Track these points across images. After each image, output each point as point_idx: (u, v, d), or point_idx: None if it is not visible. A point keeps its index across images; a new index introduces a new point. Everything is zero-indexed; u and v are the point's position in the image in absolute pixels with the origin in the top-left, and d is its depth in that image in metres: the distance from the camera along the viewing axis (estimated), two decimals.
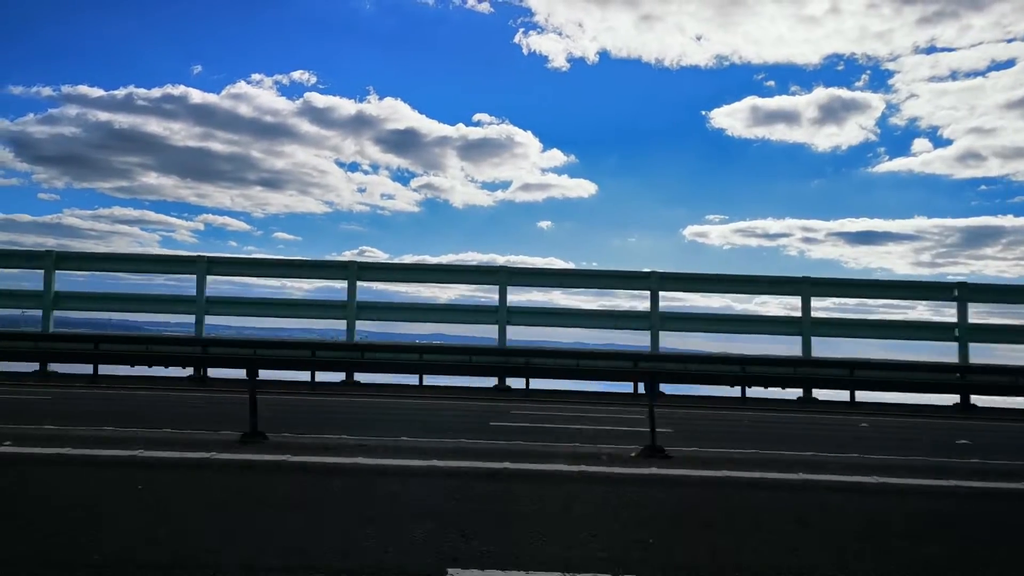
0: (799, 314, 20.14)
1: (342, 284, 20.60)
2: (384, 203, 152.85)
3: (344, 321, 20.13)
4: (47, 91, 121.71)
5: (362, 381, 18.30)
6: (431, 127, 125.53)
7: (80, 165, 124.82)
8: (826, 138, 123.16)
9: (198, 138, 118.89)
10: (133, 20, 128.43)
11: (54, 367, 17.60)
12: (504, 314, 19.95)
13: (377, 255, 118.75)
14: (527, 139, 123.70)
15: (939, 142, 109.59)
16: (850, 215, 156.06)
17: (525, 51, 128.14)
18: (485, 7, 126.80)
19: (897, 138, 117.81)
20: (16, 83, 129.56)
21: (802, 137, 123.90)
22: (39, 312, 20.23)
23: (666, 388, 16.66)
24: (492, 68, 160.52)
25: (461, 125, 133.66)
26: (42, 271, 20.34)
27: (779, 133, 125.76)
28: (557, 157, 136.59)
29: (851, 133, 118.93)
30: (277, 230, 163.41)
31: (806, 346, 19.77)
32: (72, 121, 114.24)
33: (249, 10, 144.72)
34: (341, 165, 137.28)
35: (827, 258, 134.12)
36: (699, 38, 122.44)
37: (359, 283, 20.58)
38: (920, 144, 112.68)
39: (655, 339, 19.95)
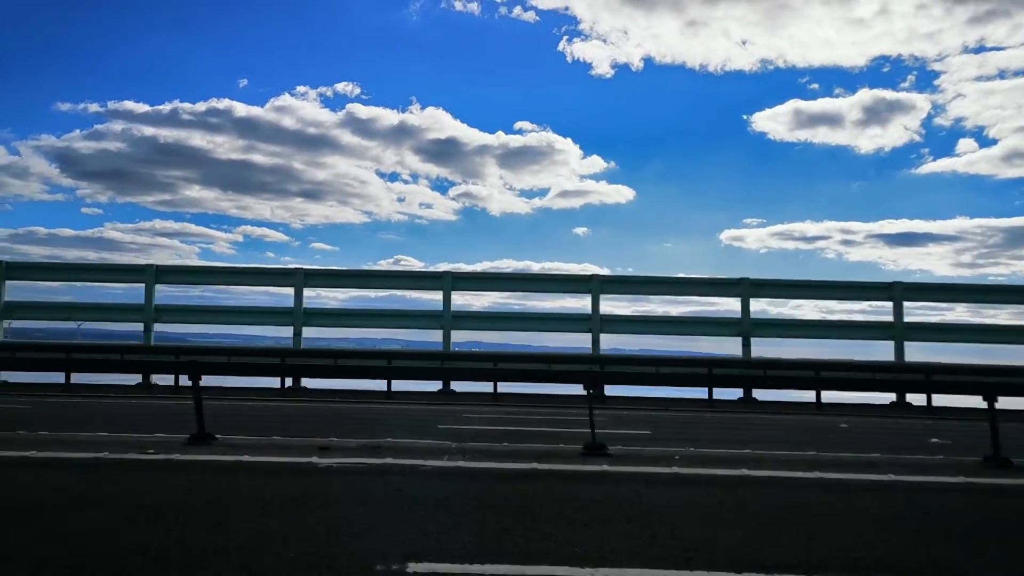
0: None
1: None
2: (422, 212, 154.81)
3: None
4: (94, 107, 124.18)
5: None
6: (472, 136, 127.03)
7: (124, 180, 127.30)
8: (869, 140, 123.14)
9: (241, 151, 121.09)
10: (182, 36, 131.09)
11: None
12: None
13: (413, 264, 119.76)
14: (567, 146, 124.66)
15: (984, 142, 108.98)
16: (890, 217, 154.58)
17: (569, 59, 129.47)
18: (530, 16, 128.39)
19: (942, 139, 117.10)
20: (64, 100, 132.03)
21: (845, 139, 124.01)
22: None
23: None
24: (535, 76, 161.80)
25: (501, 133, 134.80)
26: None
27: (822, 136, 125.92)
28: (597, 163, 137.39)
29: (895, 134, 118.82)
30: (315, 240, 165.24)
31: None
32: (117, 136, 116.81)
33: (297, 24, 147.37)
34: (381, 175, 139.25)
35: (866, 260, 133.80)
36: (744, 43, 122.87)
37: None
38: (965, 144, 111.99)
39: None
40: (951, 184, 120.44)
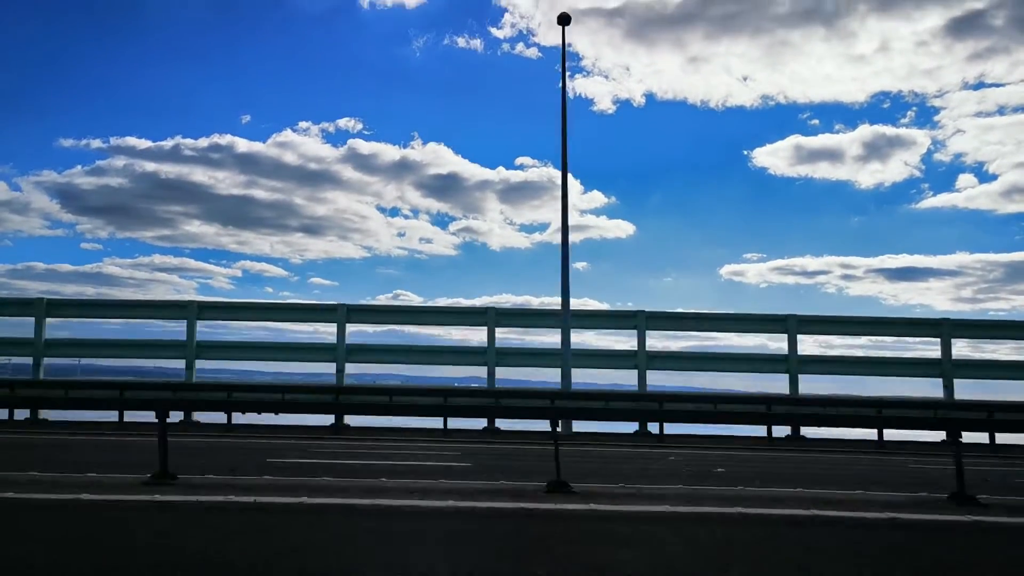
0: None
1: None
2: (422, 247, 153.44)
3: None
4: (96, 143, 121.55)
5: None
6: (473, 171, 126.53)
7: (124, 215, 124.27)
8: (869, 175, 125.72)
9: (242, 186, 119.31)
10: (185, 72, 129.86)
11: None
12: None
13: (411, 298, 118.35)
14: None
15: (984, 177, 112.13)
16: (891, 251, 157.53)
17: (571, 94, 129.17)
18: (533, 52, 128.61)
19: (942, 174, 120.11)
20: (67, 136, 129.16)
21: (845, 175, 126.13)
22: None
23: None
24: (537, 112, 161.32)
25: (502, 168, 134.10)
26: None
27: (822, 171, 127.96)
28: (597, 199, 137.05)
29: (895, 170, 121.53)
30: (314, 275, 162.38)
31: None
32: (119, 172, 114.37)
33: (300, 60, 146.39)
34: (382, 210, 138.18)
35: (866, 295, 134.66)
36: (745, 79, 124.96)
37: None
38: (965, 179, 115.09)
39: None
40: (951, 219, 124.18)
